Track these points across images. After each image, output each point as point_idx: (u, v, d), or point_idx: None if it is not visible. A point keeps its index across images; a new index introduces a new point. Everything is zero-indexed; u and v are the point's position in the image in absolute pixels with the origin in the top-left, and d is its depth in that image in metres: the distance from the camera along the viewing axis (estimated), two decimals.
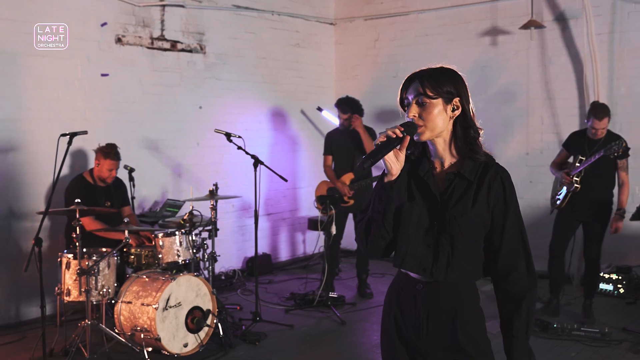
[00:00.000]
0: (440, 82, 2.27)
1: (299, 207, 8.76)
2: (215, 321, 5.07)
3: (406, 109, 2.32)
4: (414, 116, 2.27)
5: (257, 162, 5.65)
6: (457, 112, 2.29)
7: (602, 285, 6.68)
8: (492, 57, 7.79)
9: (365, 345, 5.36)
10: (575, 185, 5.67)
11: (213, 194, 5.64)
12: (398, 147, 2.23)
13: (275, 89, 8.33)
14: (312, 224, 7.86)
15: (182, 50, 7.21)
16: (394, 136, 2.20)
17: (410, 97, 2.30)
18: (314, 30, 8.88)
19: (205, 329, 4.99)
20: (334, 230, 6.48)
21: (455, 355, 2.30)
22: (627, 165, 5.67)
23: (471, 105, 2.33)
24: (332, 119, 8.42)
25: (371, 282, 6.99)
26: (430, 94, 2.26)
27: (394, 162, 2.24)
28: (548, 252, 6.02)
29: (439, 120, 2.27)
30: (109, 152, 5.65)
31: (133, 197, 6.20)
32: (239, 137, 5.70)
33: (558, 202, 5.89)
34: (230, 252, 7.78)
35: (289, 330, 5.66)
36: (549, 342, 5.31)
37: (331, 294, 6.39)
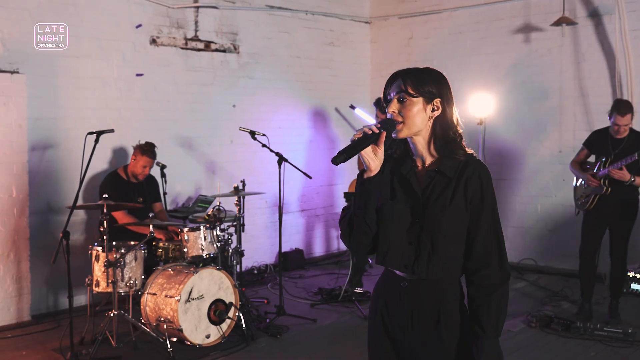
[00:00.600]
0: (422, 81, 2.31)
1: (334, 204, 8.87)
2: (237, 314, 5.23)
3: (387, 103, 2.37)
4: (394, 112, 2.32)
5: (281, 159, 5.80)
6: (437, 113, 2.33)
7: (634, 286, 6.59)
8: (524, 54, 7.75)
9: None
10: (606, 187, 5.61)
11: (238, 190, 5.81)
12: (376, 143, 2.26)
13: (309, 87, 8.46)
14: None
15: (216, 50, 7.40)
16: (370, 132, 2.23)
17: (392, 94, 2.34)
18: (348, 29, 8.97)
19: (228, 321, 5.16)
20: None
21: (439, 352, 2.34)
22: None
23: (454, 108, 2.38)
24: (365, 117, 8.52)
25: None
26: (411, 92, 2.30)
27: (372, 158, 2.27)
28: (579, 257, 5.97)
29: (418, 119, 2.31)
30: (147, 149, 5.90)
31: (165, 193, 6.42)
32: (263, 134, 5.86)
33: (585, 203, 5.82)
34: (264, 247, 7.95)
35: (311, 324, 5.78)
36: (570, 342, 5.29)
37: (357, 290, 6.48)
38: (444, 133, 2.34)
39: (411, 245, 2.34)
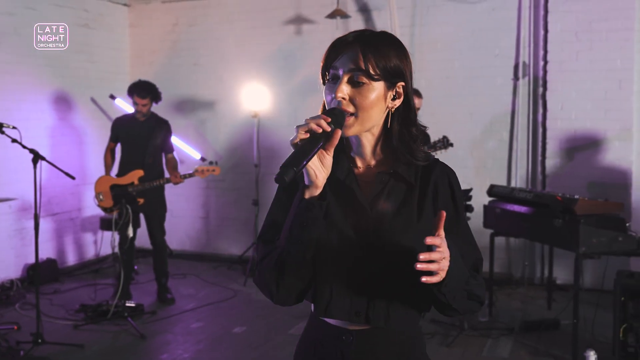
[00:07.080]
0: (386, 56, 1.62)
1: (89, 205, 7.87)
2: None
3: (327, 80, 1.66)
4: (343, 98, 1.60)
5: (37, 157, 4.85)
6: (398, 102, 1.67)
7: None
8: (296, 46, 7.54)
9: None
10: None
11: None
12: (324, 147, 1.55)
13: (62, 73, 7.40)
14: (105, 224, 7.13)
15: None
16: (320, 130, 1.52)
17: (340, 71, 1.63)
18: (105, 11, 8.03)
19: None
20: (131, 232, 5.82)
21: None
22: None
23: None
24: (127, 107, 7.68)
25: (172, 286, 6.44)
26: (372, 73, 1.60)
27: (319, 169, 1.56)
28: None
29: (375, 111, 1.63)
30: None
31: None
32: (14, 127, 4.85)
33: None
34: (8, 260, 6.77)
35: (78, 351, 4.88)
36: None
37: (128, 303, 5.71)
38: (403, 130, 1.68)
39: (361, 283, 1.64)
